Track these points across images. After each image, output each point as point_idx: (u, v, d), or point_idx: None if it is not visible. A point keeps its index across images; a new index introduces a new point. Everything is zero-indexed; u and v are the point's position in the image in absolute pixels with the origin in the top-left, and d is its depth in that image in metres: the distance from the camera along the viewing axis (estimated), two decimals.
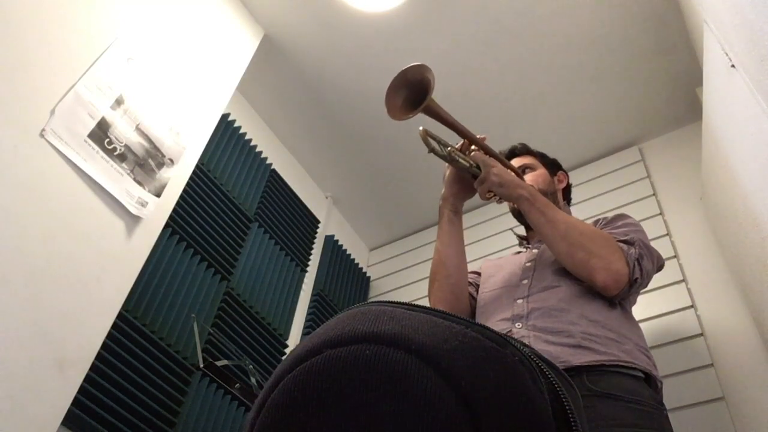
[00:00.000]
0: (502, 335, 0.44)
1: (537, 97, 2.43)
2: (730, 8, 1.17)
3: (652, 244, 2.16)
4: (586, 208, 2.37)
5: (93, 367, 1.38)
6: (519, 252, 1.64)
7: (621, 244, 1.29)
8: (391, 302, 0.47)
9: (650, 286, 1.99)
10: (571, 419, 0.42)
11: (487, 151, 1.48)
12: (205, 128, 1.91)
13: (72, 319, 1.33)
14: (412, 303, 0.47)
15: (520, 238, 1.72)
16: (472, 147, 1.47)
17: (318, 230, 2.68)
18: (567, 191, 1.74)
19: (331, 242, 2.75)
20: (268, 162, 2.47)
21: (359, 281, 2.85)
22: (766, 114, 1.08)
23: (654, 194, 2.28)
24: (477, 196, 1.46)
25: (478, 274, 1.63)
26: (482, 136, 1.48)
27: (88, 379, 1.37)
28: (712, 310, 1.86)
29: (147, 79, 1.69)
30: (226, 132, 2.23)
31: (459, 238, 1.48)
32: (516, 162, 1.67)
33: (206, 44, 1.98)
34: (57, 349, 1.28)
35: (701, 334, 1.81)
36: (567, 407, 0.43)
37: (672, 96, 2.36)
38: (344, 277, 2.73)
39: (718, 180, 1.73)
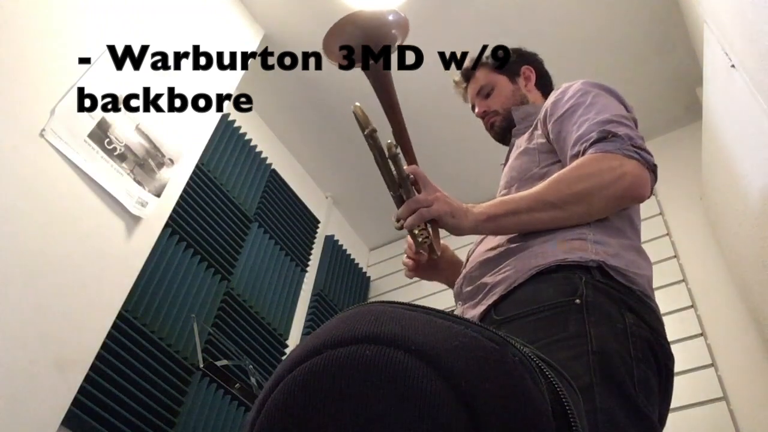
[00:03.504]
0: (502, 335, 0.44)
1: None
2: (730, 8, 1.17)
3: (652, 244, 2.19)
4: None
5: (93, 367, 1.38)
6: None
7: (604, 147, 1.00)
8: (391, 302, 0.47)
9: None
10: (571, 419, 0.42)
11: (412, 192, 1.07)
12: (205, 128, 1.91)
13: (72, 319, 1.33)
14: (412, 303, 0.47)
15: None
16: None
17: (318, 230, 2.68)
18: (541, 82, 1.44)
19: (331, 242, 2.75)
20: (268, 162, 2.47)
21: (359, 281, 2.85)
22: (766, 114, 1.08)
23: (654, 194, 2.28)
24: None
25: None
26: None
27: (88, 379, 1.37)
28: (712, 310, 1.86)
29: (147, 79, 1.69)
30: (226, 132, 2.23)
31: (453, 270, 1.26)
32: (472, 88, 1.44)
33: (206, 44, 1.98)
34: (57, 350, 1.28)
35: (701, 334, 1.81)
36: (567, 408, 0.43)
37: (672, 96, 2.36)
38: (344, 277, 2.73)
39: (718, 180, 1.73)
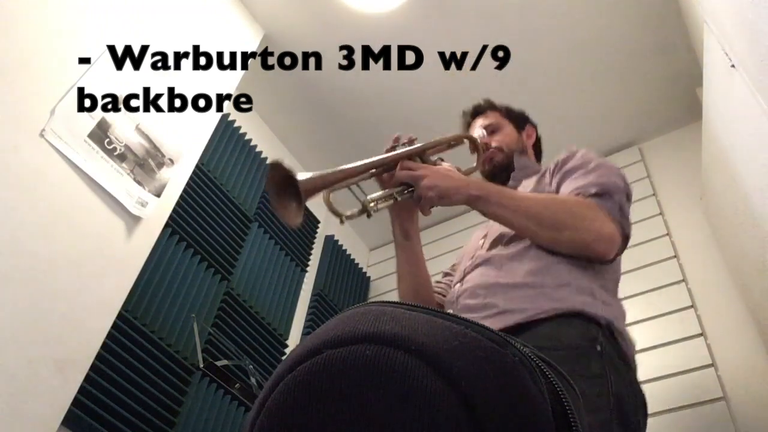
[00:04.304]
0: (502, 335, 0.44)
1: (537, 97, 2.43)
2: (730, 8, 1.17)
3: (652, 244, 2.19)
4: None
5: (93, 367, 1.38)
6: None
7: (596, 201, 1.13)
8: (391, 302, 0.47)
9: (650, 286, 2.00)
10: (571, 419, 0.42)
11: (417, 153, 1.26)
12: (205, 128, 1.91)
13: (72, 319, 1.33)
14: (412, 303, 0.47)
15: None
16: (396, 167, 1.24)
17: (318, 230, 2.68)
18: (537, 146, 1.58)
19: (331, 242, 2.75)
20: (268, 162, 2.47)
21: (359, 281, 2.85)
22: (766, 114, 1.08)
23: (654, 194, 2.28)
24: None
25: (448, 279, 1.50)
26: (395, 136, 1.28)
27: (88, 379, 1.37)
28: (712, 310, 1.86)
29: (147, 79, 1.69)
30: (226, 132, 2.23)
31: (413, 263, 1.34)
32: (480, 121, 1.54)
33: (206, 44, 1.98)
34: (57, 349, 1.28)
35: (701, 334, 1.81)
36: (567, 407, 0.43)
37: (672, 96, 2.36)
38: (344, 277, 2.73)
39: (718, 180, 1.73)
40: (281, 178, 1.11)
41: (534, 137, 1.58)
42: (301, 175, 1.08)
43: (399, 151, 1.23)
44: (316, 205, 2.74)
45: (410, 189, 1.19)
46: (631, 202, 1.24)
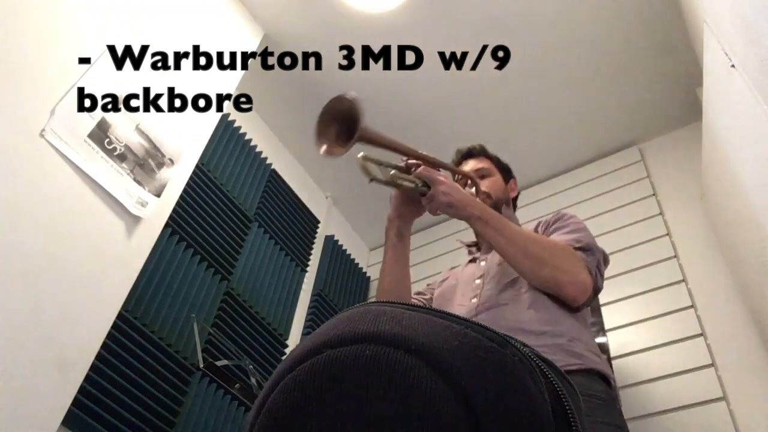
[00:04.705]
0: (502, 335, 0.44)
1: (537, 97, 2.43)
2: (730, 8, 1.17)
3: (652, 244, 2.19)
4: (586, 208, 2.37)
5: (93, 367, 1.38)
6: (471, 260, 1.57)
7: (580, 253, 1.29)
8: (391, 302, 0.47)
9: (650, 286, 2.00)
10: (571, 419, 0.42)
11: (436, 164, 1.39)
12: (205, 128, 1.91)
13: (72, 320, 1.33)
14: (412, 303, 0.47)
15: (468, 245, 1.67)
16: (419, 163, 1.38)
17: (318, 230, 2.68)
18: (515, 200, 1.69)
19: (331, 242, 2.75)
20: (268, 162, 2.47)
21: (359, 281, 2.85)
22: (766, 114, 1.08)
23: (654, 194, 2.28)
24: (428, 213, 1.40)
25: (425, 297, 1.58)
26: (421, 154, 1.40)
27: (88, 379, 1.37)
28: (712, 310, 1.85)
29: (147, 79, 1.69)
30: (226, 132, 2.23)
31: (401, 264, 1.42)
32: (472, 164, 1.61)
33: (206, 44, 1.98)
34: (57, 350, 1.28)
35: (701, 334, 1.81)
36: (567, 407, 0.43)
37: (672, 96, 2.36)
38: (344, 277, 2.73)
39: (718, 180, 1.73)
40: (344, 112, 1.21)
41: (516, 191, 1.68)
42: (363, 122, 1.18)
43: (426, 155, 1.38)
44: (316, 205, 2.74)
45: (427, 186, 1.30)
46: (608, 265, 1.40)
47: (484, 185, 1.55)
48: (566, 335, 1.22)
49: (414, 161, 1.35)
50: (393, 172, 1.31)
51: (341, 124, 1.20)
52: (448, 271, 1.63)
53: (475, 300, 1.35)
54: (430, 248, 2.76)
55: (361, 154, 1.27)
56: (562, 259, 1.26)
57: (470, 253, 1.64)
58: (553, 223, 1.43)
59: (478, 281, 1.41)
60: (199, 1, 2.02)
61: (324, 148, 1.18)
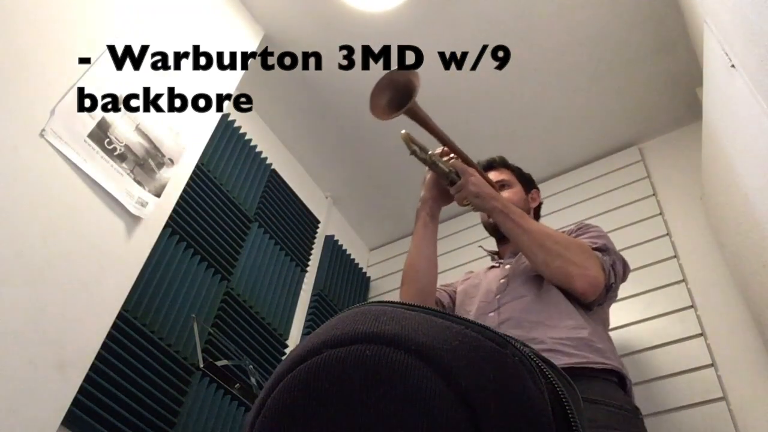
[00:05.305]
0: (502, 335, 0.44)
1: (537, 97, 2.43)
2: (730, 8, 1.17)
3: (652, 244, 2.19)
4: (586, 208, 2.37)
5: (93, 367, 1.38)
6: (492, 267, 1.63)
7: (595, 252, 1.34)
8: (391, 302, 0.47)
9: (650, 286, 2.00)
10: (571, 419, 0.42)
11: (466, 160, 1.49)
12: (205, 128, 1.91)
13: (72, 319, 1.33)
14: (412, 303, 0.47)
15: (491, 253, 1.73)
16: (452, 155, 1.49)
17: (318, 230, 2.68)
18: (538, 209, 1.75)
19: (331, 242, 2.75)
20: (268, 162, 2.47)
21: (359, 281, 2.85)
22: (766, 114, 1.08)
23: (654, 194, 2.28)
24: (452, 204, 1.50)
25: (450, 289, 1.66)
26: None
27: (88, 379, 1.37)
28: (712, 310, 1.85)
29: (147, 79, 1.69)
30: (226, 132, 2.23)
31: (431, 243, 1.50)
32: (493, 175, 1.66)
33: (206, 44, 1.98)
34: (57, 350, 1.28)
35: (701, 334, 1.81)
36: (567, 407, 0.43)
37: (672, 96, 2.36)
38: (344, 277, 2.73)
39: (718, 180, 1.73)
40: (402, 84, 1.32)
41: (538, 201, 1.73)
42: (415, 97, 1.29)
43: (461, 150, 1.50)
44: (316, 205, 2.74)
45: (458, 176, 1.40)
46: (627, 275, 1.46)
47: (504, 196, 1.58)
48: (588, 329, 1.26)
49: (448, 151, 1.47)
50: (431, 153, 1.41)
51: (396, 93, 1.32)
52: (468, 273, 1.67)
53: (499, 296, 1.41)
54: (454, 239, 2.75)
55: (404, 131, 1.36)
56: (575, 254, 1.30)
57: (492, 260, 1.67)
58: (576, 231, 1.49)
59: (503, 280, 1.47)
60: (199, 1, 2.02)
61: (378, 111, 1.31)
